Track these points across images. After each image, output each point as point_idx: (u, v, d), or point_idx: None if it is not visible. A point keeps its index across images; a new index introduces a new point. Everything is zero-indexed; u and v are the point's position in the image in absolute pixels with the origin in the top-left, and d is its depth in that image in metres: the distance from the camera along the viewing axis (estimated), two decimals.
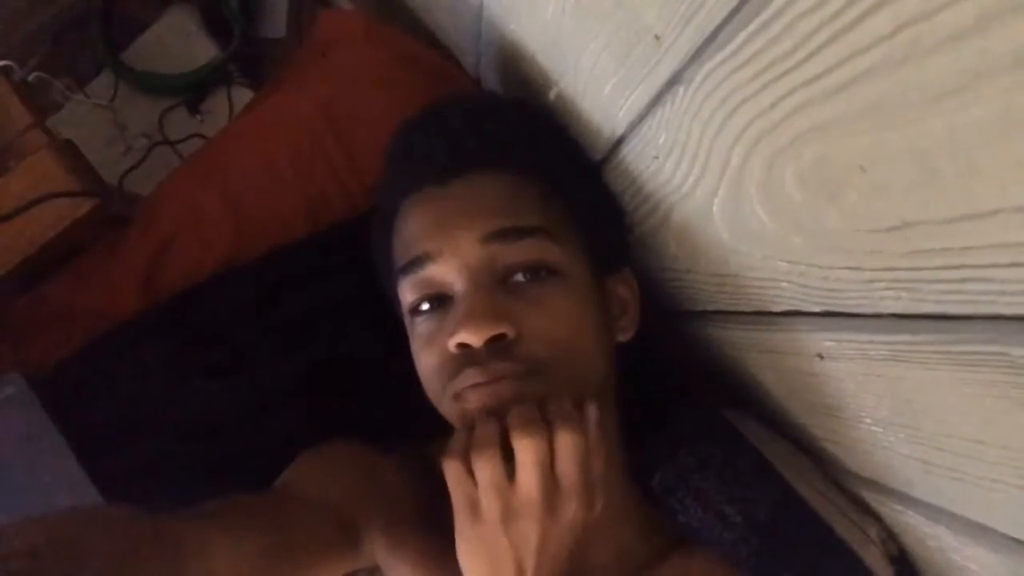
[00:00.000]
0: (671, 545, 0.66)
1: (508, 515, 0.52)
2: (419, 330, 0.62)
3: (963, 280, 0.34)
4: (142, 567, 0.46)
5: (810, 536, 0.66)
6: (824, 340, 0.52)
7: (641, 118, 0.54)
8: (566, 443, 0.52)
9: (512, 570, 0.52)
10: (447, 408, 0.60)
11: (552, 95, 0.66)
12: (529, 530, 0.52)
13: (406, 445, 0.73)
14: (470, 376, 0.56)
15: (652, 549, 0.66)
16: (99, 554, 0.44)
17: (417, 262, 0.60)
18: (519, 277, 0.58)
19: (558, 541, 0.53)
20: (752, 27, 0.35)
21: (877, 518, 0.67)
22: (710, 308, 0.67)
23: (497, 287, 0.58)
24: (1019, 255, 0.30)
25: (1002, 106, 0.26)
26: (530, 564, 0.52)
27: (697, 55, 0.41)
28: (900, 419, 0.50)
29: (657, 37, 0.44)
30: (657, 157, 0.55)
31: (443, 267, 0.59)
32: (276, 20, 1.17)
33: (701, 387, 0.83)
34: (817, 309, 0.50)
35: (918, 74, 0.28)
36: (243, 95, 1.15)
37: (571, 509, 0.52)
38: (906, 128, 0.31)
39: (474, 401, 0.56)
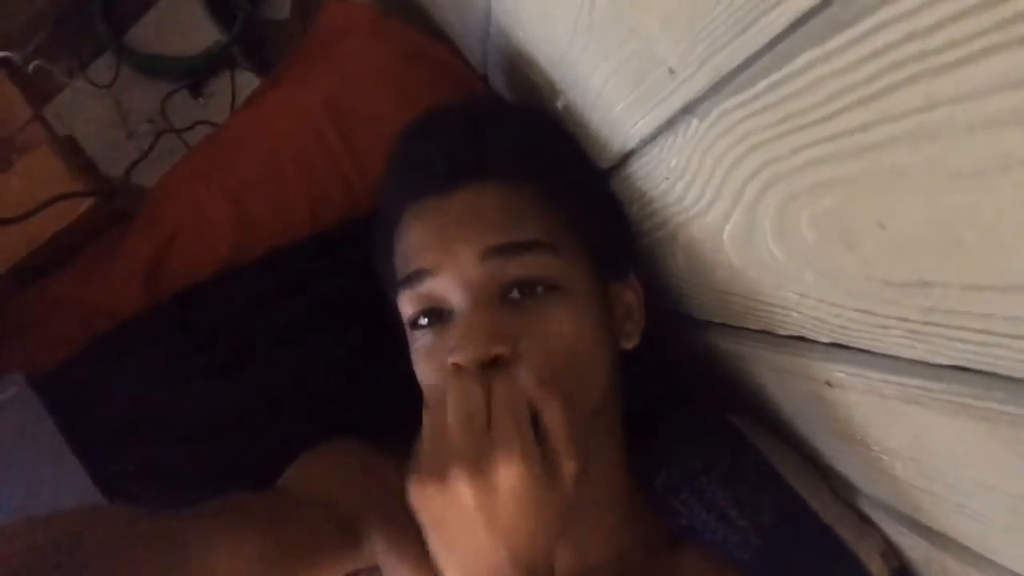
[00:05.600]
0: (672, 546, 0.66)
1: (435, 469, 0.47)
2: (419, 344, 0.61)
3: (981, 344, 0.34)
4: (144, 566, 0.47)
5: (814, 541, 0.66)
6: (833, 370, 0.51)
7: (652, 139, 0.52)
8: (499, 392, 0.50)
9: (465, 546, 0.47)
10: None
11: (560, 105, 0.64)
12: (463, 490, 0.46)
13: (407, 445, 0.73)
14: None
15: (653, 550, 0.66)
16: (101, 553, 0.44)
17: (416, 276, 0.60)
18: (517, 293, 0.58)
19: (507, 517, 0.46)
20: (775, 77, 0.34)
21: (879, 530, 0.67)
22: (717, 320, 0.66)
23: (496, 304, 0.57)
24: None
25: None
26: (480, 539, 0.46)
27: (712, 93, 0.40)
28: (908, 452, 0.50)
29: (671, 70, 0.42)
30: (667, 177, 0.54)
31: (442, 282, 0.58)
32: (280, 2, 1.15)
33: (708, 393, 0.82)
34: (826, 340, 0.50)
35: (948, 150, 0.27)
36: (246, 79, 1.13)
37: (508, 472, 0.46)
38: (930, 197, 0.30)
39: None
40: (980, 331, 0.33)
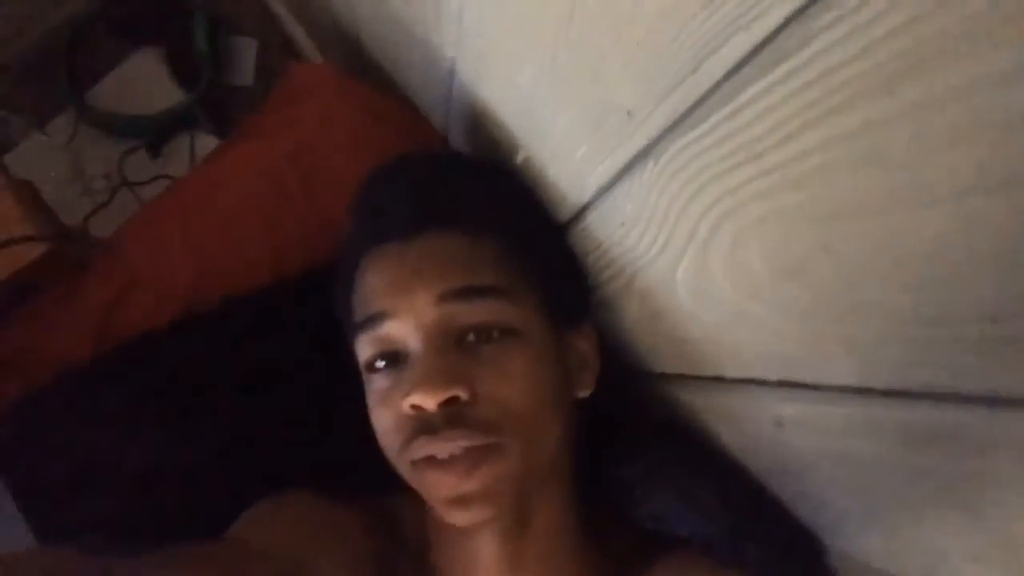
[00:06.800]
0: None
1: None
2: (374, 387, 0.62)
3: (920, 362, 0.36)
4: None
5: (782, 518, 0.66)
6: (781, 409, 0.53)
7: (609, 186, 0.55)
8: None
9: None
10: (403, 471, 0.60)
11: (520, 158, 0.67)
12: None
13: (364, 497, 0.72)
14: (424, 446, 0.56)
15: None
16: None
17: (374, 319, 0.60)
18: (474, 337, 0.59)
19: None
20: (723, 112, 0.37)
21: None
22: (670, 370, 0.68)
23: (452, 347, 0.58)
24: (978, 344, 0.32)
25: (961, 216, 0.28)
26: None
27: (668, 132, 0.43)
28: (855, 486, 0.52)
29: (629, 113, 0.45)
30: (623, 224, 0.56)
31: (399, 325, 0.59)
32: (245, 68, 1.18)
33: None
34: (775, 378, 0.52)
35: (880, 176, 0.30)
36: (206, 141, 1.15)
37: None
38: (869, 219, 0.32)
39: (437, 487, 0.57)
40: (920, 352, 0.35)
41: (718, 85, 0.36)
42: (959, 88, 0.25)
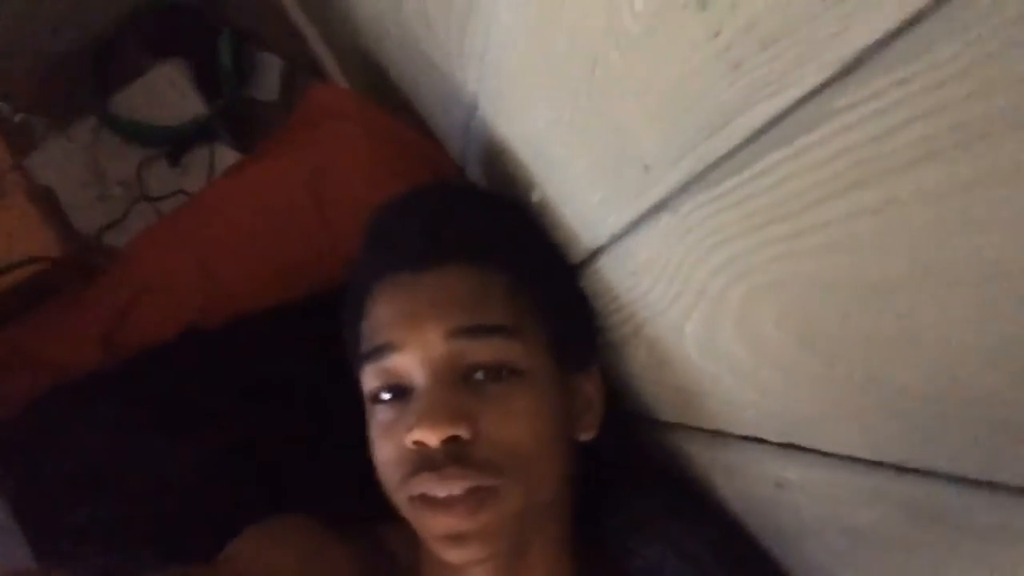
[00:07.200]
0: None
1: None
2: (378, 419, 0.61)
3: (927, 441, 0.35)
4: None
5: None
6: (783, 471, 0.52)
7: (623, 234, 0.55)
8: None
9: None
10: (401, 504, 0.60)
11: (535, 197, 0.67)
12: None
13: (357, 523, 0.71)
14: (424, 483, 0.56)
15: None
16: None
17: (381, 350, 0.60)
18: (480, 375, 0.59)
19: None
20: (742, 176, 0.37)
21: None
22: (673, 420, 0.67)
23: (458, 384, 0.58)
24: (984, 430, 0.31)
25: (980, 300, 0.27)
26: None
27: (685, 189, 0.43)
28: (851, 554, 0.51)
29: (646, 167, 0.45)
30: (635, 272, 0.56)
31: (406, 359, 0.59)
32: (269, 84, 1.19)
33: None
34: (779, 440, 0.51)
35: (901, 252, 0.29)
36: (226, 154, 1.15)
37: None
38: (889, 294, 0.32)
39: (435, 525, 0.56)
40: (927, 431, 0.35)
41: (738, 149, 0.36)
42: (974, 179, 0.25)
